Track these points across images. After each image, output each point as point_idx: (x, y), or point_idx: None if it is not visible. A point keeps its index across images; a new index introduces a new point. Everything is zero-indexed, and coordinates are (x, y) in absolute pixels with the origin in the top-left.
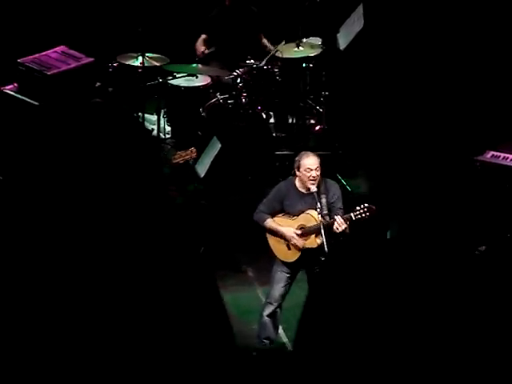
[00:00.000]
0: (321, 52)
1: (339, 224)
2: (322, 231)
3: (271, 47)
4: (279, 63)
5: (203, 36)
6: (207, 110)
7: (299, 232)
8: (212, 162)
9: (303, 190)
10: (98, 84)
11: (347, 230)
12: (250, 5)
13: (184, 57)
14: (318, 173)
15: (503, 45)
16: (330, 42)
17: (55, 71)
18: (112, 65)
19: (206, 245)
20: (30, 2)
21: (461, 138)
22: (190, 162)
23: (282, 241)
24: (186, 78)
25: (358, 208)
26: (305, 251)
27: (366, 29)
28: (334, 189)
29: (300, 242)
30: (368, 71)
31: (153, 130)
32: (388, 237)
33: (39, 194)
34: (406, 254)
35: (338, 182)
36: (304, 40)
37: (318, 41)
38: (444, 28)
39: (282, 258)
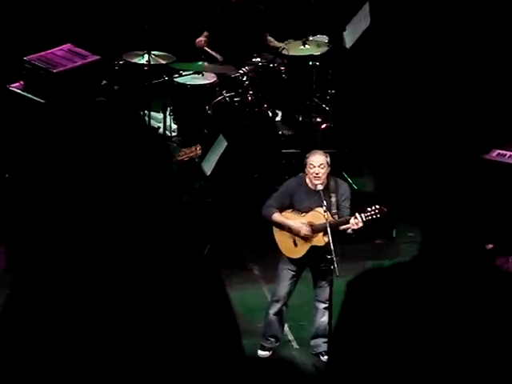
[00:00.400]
0: (327, 50)
1: (353, 224)
2: (329, 230)
3: (277, 44)
4: (285, 61)
5: (205, 33)
6: (213, 107)
7: (307, 224)
8: (218, 159)
9: (312, 188)
10: (104, 82)
11: (360, 229)
12: (257, 2)
13: (190, 55)
14: (323, 170)
15: (508, 44)
16: (336, 40)
17: (61, 69)
18: (118, 63)
19: (212, 243)
20: (36, 0)
21: (467, 137)
22: (196, 160)
23: (289, 236)
24: (192, 75)
25: (368, 209)
26: (311, 249)
27: (372, 27)
28: (344, 188)
29: (309, 233)
30: (374, 69)
31: (159, 128)
32: (394, 235)
33: (45, 191)
34: (414, 253)
35: (345, 180)
36: (310, 38)
37: (324, 39)
38: (451, 26)
39: (288, 253)
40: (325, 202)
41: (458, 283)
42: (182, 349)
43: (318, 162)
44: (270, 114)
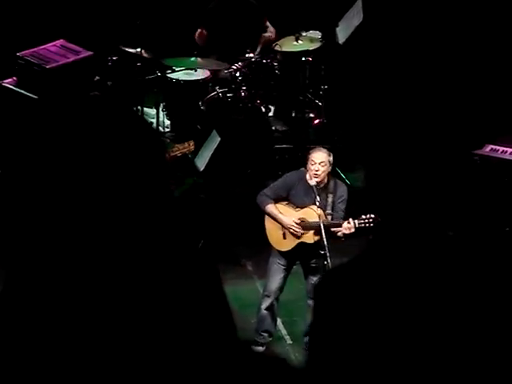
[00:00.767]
0: (320, 46)
1: (346, 228)
2: (322, 230)
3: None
4: (278, 57)
5: (199, 30)
6: (206, 103)
7: (299, 222)
8: (211, 155)
9: (310, 183)
10: (97, 78)
11: (350, 234)
12: None
13: (183, 50)
14: (323, 168)
15: (501, 37)
16: (329, 36)
17: (54, 65)
18: (111, 58)
19: (205, 238)
20: None
21: (459, 132)
22: (189, 156)
23: (279, 228)
24: (185, 71)
25: (363, 216)
26: (299, 245)
27: (365, 23)
28: (342, 190)
29: (298, 231)
30: (367, 65)
31: (152, 123)
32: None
33: (38, 186)
34: (404, 248)
35: (338, 175)
36: (303, 34)
37: (317, 34)
38: (442, 22)
39: (276, 245)
40: (318, 198)
41: (449, 278)
42: (176, 345)
43: (319, 159)
44: (263, 110)
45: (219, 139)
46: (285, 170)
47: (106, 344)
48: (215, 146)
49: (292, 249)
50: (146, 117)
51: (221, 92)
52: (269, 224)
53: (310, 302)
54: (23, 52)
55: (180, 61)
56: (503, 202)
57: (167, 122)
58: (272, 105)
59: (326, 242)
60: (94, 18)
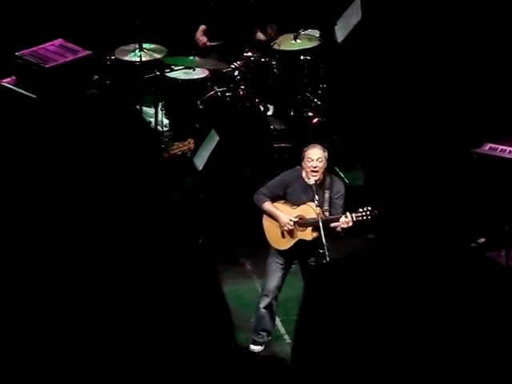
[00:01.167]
0: (319, 44)
1: (344, 222)
2: (321, 226)
3: (262, 38)
4: (277, 56)
5: (202, 27)
6: (205, 102)
7: (296, 220)
8: (210, 154)
9: (308, 181)
10: (96, 77)
11: (349, 228)
12: None
13: (182, 49)
14: (320, 164)
15: (500, 37)
16: (327, 35)
17: (53, 64)
18: (110, 58)
19: (204, 237)
20: None
21: (458, 131)
22: (188, 154)
23: (277, 226)
24: (184, 70)
25: (360, 210)
26: (298, 242)
27: (363, 21)
28: (339, 186)
29: (294, 230)
30: (366, 64)
31: (150, 122)
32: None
33: (37, 186)
34: (403, 246)
35: (337, 174)
36: (302, 32)
37: (315, 33)
38: (441, 21)
39: (274, 244)
40: (317, 196)
41: (448, 276)
42: (174, 344)
43: (316, 156)
44: (262, 109)
45: (218, 138)
46: (283, 169)
47: (106, 343)
48: (214, 145)
49: (291, 247)
50: (144, 116)
51: (219, 91)
52: (266, 223)
53: None
54: (22, 51)
55: (179, 60)
56: (502, 200)
57: (166, 121)
58: (271, 104)
59: (324, 239)
60: (92, 18)
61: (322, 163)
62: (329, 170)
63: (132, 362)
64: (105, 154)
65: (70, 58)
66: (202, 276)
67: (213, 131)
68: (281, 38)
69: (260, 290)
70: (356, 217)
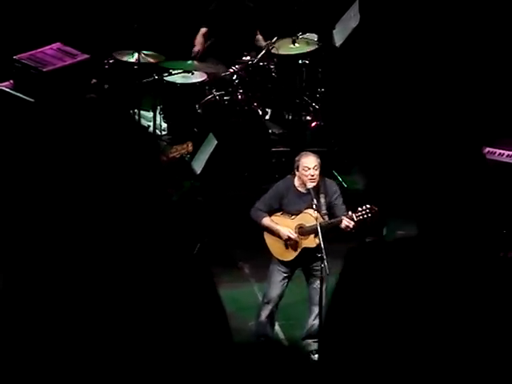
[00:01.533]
0: (317, 48)
1: (348, 223)
2: (319, 231)
3: (263, 43)
4: (275, 59)
5: (203, 30)
6: (203, 106)
7: (295, 232)
8: (208, 158)
9: (302, 190)
10: (94, 81)
11: (354, 228)
12: (247, 0)
13: (180, 53)
14: (317, 172)
15: (497, 39)
16: (326, 39)
17: (51, 68)
18: (108, 62)
19: (203, 241)
20: None
21: (457, 135)
22: (187, 158)
23: (280, 239)
24: (182, 74)
25: (359, 209)
26: (303, 250)
27: (362, 25)
28: (333, 187)
29: (295, 243)
30: (364, 68)
31: (149, 126)
32: (384, 233)
33: (35, 190)
34: (406, 251)
35: (335, 178)
36: (300, 36)
37: (314, 37)
38: (439, 24)
39: (280, 256)
40: (316, 201)
41: (454, 281)
42: (172, 348)
43: (312, 164)
44: (260, 113)
45: (216, 142)
46: (282, 173)
47: (104, 346)
48: (212, 149)
49: (296, 256)
50: (143, 120)
51: (218, 95)
52: (268, 239)
53: (312, 306)
54: (20, 55)
55: (177, 63)
56: (500, 204)
57: (164, 125)
58: (269, 108)
59: (323, 245)
60: (90, 22)
61: (318, 170)
62: (327, 174)
63: (130, 365)
64: (103, 158)
65: (68, 61)
66: (200, 280)
67: (211, 135)
68: (279, 42)
69: (258, 294)
70: (357, 216)
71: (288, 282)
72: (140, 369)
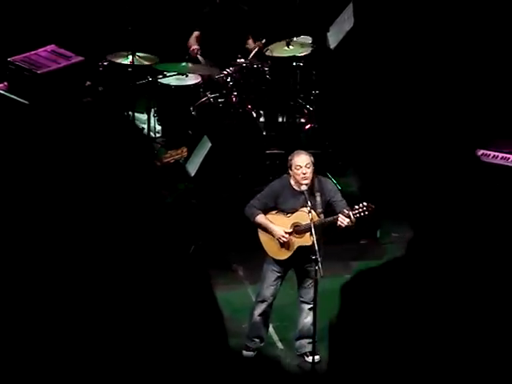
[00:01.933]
0: (311, 51)
1: (342, 220)
2: (313, 230)
3: (251, 46)
4: (269, 62)
5: (196, 33)
6: (197, 108)
7: (290, 231)
8: (202, 160)
9: (298, 189)
10: (88, 83)
11: (352, 225)
12: (241, 3)
13: (174, 55)
14: (309, 170)
15: (492, 41)
16: (320, 41)
17: (45, 70)
18: (102, 64)
19: (197, 244)
20: (20, 1)
21: (451, 137)
22: (181, 161)
23: (274, 238)
24: (177, 76)
25: (356, 207)
26: (298, 249)
27: (356, 28)
28: (329, 185)
29: (289, 242)
30: (358, 70)
31: (143, 129)
32: (378, 235)
33: (29, 191)
34: (400, 253)
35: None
36: (294, 39)
37: (308, 40)
38: (433, 27)
39: (274, 255)
40: (309, 202)
41: (448, 282)
42: (168, 349)
43: (304, 162)
44: (254, 115)
45: (210, 144)
46: (275, 175)
47: (100, 347)
48: (206, 152)
49: (291, 255)
50: (137, 122)
51: (212, 97)
52: (263, 237)
53: (303, 305)
54: (14, 57)
55: (171, 66)
56: (494, 206)
57: (158, 127)
58: (263, 110)
59: (317, 246)
60: (85, 24)
61: (310, 169)
62: (318, 174)
63: (126, 367)
64: (98, 160)
65: (63, 63)
66: (195, 282)
67: (205, 137)
68: (273, 45)
69: (252, 296)
70: (354, 214)
71: (281, 282)
72: (136, 370)
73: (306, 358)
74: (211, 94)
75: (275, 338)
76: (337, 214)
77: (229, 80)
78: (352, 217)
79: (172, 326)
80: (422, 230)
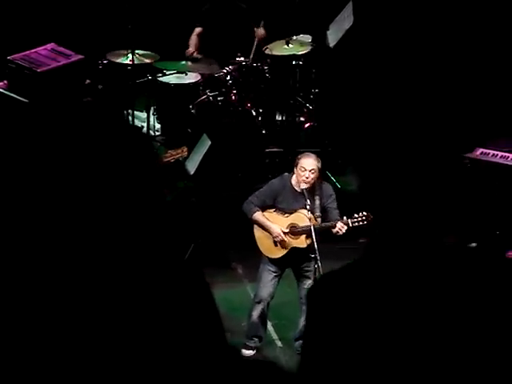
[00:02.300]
0: (310, 49)
1: (340, 228)
2: (313, 233)
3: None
4: (269, 60)
5: (198, 29)
6: (197, 107)
7: (287, 231)
8: (202, 159)
9: (298, 189)
10: (88, 81)
11: (345, 233)
12: (239, 1)
13: (174, 54)
14: (313, 176)
15: (491, 40)
16: (319, 40)
17: (45, 68)
18: (102, 62)
19: (196, 242)
20: None
21: (450, 135)
22: (181, 159)
23: (269, 236)
24: (176, 75)
25: (356, 215)
26: (292, 250)
27: (355, 26)
28: (329, 190)
29: (286, 241)
30: (358, 69)
31: (142, 127)
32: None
33: (28, 191)
34: (396, 250)
35: (328, 179)
36: (294, 37)
37: (307, 38)
38: (431, 25)
39: (267, 253)
40: (309, 201)
41: (443, 281)
42: (166, 348)
43: (309, 167)
44: (254, 113)
45: (209, 143)
46: (275, 174)
47: (97, 346)
48: (206, 150)
49: (284, 255)
50: (136, 120)
51: (211, 95)
52: (258, 233)
53: (304, 306)
54: (14, 55)
55: (171, 64)
56: (493, 205)
57: (158, 126)
58: (262, 108)
59: (316, 246)
60: (84, 22)
61: (314, 174)
62: (321, 174)
63: (123, 366)
64: (98, 159)
65: (62, 62)
66: (194, 280)
67: (204, 136)
68: (273, 43)
69: (251, 295)
70: (352, 222)
71: (278, 281)
72: (134, 369)
73: None
74: (211, 92)
75: (274, 336)
76: (328, 220)
77: (228, 78)
78: (350, 225)
79: (170, 324)
80: (420, 228)
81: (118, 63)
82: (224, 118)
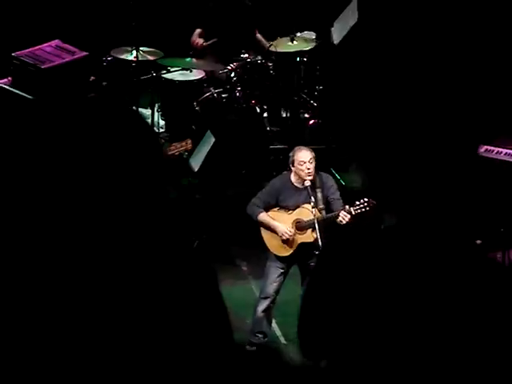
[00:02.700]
0: (315, 46)
1: (343, 217)
2: (317, 226)
3: (265, 42)
4: (273, 57)
5: (198, 30)
6: (201, 104)
7: (292, 228)
8: (206, 156)
9: (299, 185)
10: (92, 78)
11: (351, 222)
12: None
13: (178, 51)
14: (313, 165)
15: (495, 38)
16: (324, 36)
17: (49, 65)
18: (106, 59)
19: (201, 239)
20: None
21: (455, 133)
22: (185, 155)
23: (276, 236)
24: (180, 71)
25: (357, 202)
26: (300, 245)
27: (360, 23)
28: (330, 181)
29: (292, 238)
30: (362, 65)
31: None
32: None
33: (34, 188)
34: (401, 247)
35: (333, 176)
36: (298, 34)
37: (312, 35)
38: (437, 22)
39: (276, 252)
40: (313, 197)
41: (448, 277)
42: (171, 344)
43: (307, 158)
44: (258, 110)
45: (214, 140)
46: (279, 171)
47: (103, 343)
48: (210, 147)
49: (294, 251)
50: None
51: (216, 92)
52: (265, 234)
53: None
54: (18, 52)
55: (175, 61)
56: (498, 202)
57: (162, 123)
58: (266, 105)
59: (320, 240)
60: (89, 19)
61: (313, 163)
62: (325, 171)
63: (128, 362)
64: (103, 155)
65: (67, 58)
66: (199, 277)
67: (209, 132)
68: (277, 40)
69: (256, 291)
70: (355, 210)
71: (284, 278)
72: (140, 366)
73: None
74: (215, 89)
75: (278, 333)
76: (332, 211)
77: (233, 75)
78: (353, 213)
79: (175, 321)
80: (425, 224)
81: (122, 60)
82: (228, 114)
